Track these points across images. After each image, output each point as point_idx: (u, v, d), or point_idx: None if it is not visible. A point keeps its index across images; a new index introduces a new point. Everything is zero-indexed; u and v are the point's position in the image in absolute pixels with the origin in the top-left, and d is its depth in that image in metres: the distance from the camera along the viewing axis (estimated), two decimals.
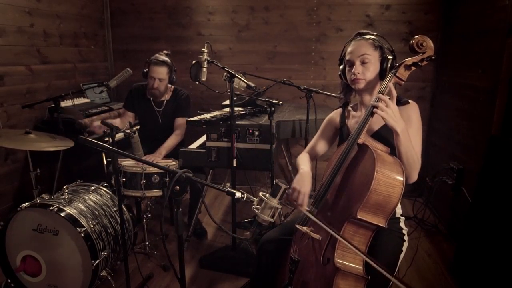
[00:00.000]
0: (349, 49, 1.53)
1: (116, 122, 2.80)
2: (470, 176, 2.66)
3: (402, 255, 1.46)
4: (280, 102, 2.35)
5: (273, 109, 2.28)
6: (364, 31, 1.56)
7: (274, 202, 1.27)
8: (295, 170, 4.03)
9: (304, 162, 1.66)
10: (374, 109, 1.32)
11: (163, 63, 2.62)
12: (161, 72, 2.62)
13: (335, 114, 1.74)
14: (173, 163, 2.42)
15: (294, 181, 1.47)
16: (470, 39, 2.87)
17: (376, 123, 1.53)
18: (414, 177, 1.40)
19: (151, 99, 2.80)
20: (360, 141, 1.36)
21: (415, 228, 3.00)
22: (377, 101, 1.33)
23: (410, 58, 1.36)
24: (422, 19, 3.40)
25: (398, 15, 3.43)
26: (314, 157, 1.78)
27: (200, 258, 2.51)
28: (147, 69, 2.65)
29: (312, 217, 1.32)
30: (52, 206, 1.93)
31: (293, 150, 3.90)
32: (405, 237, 1.51)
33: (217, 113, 2.58)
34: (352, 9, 3.50)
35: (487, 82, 2.52)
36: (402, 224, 1.53)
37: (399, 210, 1.55)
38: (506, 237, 1.94)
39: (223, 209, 3.41)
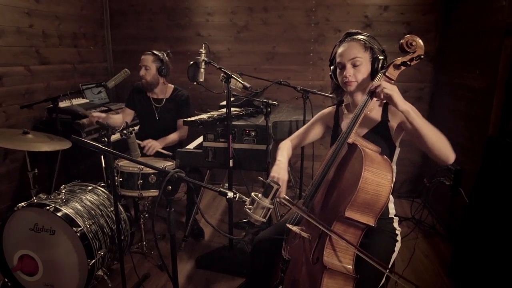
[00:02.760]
0: (339, 51, 1.52)
1: (116, 117, 2.84)
2: (467, 177, 2.66)
3: (394, 255, 1.45)
4: (276, 103, 2.36)
5: (269, 109, 2.28)
6: (354, 30, 1.55)
7: (266, 202, 1.27)
8: (293, 169, 4.02)
9: (282, 153, 1.69)
10: (380, 93, 1.28)
11: (149, 52, 2.76)
12: (146, 60, 2.73)
13: (329, 112, 1.73)
14: (170, 163, 2.43)
15: (272, 170, 1.54)
16: (468, 40, 2.87)
17: (367, 124, 1.52)
18: (451, 155, 1.31)
19: (151, 96, 2.84)
20: (350, 140, 1.36)
21: (412, 229, 3.00)
22: (375, 87, 1.31)
23: (400, 58, 1.36)
24: (421, 20, 3.40)
25: (397, 16, 3.43)
26: (296, 146, 1.82)
27: (197, 258, 2.52)
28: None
29: (299, 211, 1.33)
30: (49, 205, 1.94)
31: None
32: (398, 237, 1.50)
33: (214, 113, 2.59)
34: (351, 10, 3.50)
35: (485, 83, 2.52)
36: (395, 225, 1.53)
37: (392, 211, 1.54)
38: (503, 238, 1.94)
39: (221, 210, 3.42)
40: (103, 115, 2.63)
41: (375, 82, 1.34)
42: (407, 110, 1.28)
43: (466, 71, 2.82)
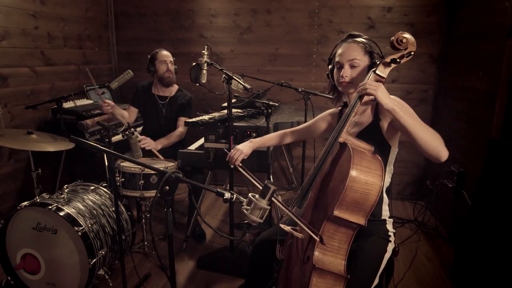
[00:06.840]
0: (339, 51, 1.53)
1: (124, 111, 2.89)
2: (470, 179, 2.64)
3: (387, 255, 1.44)
4: (277, 104, 2.37)
5: (270, 110, 2.29)
6: (356, 33, 1.55)
7: (263, 203, 1.27)
8: (296, 172, 4.01)
9: (264, 137, 1.91)
10: (365, 91, 1.29)
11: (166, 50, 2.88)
12: (170, 55, 2.85)
13: (333, 112, 1.76)
14: (172, 164, 2.45)
15: (240, 145, 1.80)
16: (471, 41, 2.85)
17: (360, 125, 1.52)
18: (443, 152, 1.29)
19: (156, 94, 2.86)
20: (340, 139, 1.35)
21: (415, 231, 2.98)
22: (361, 87, 1.31)
23: (390, 56, 1.36)
24: (424, 21, 3.38)
25: (400, 17, 3.42)
26: (296, 139, 1.91)
27: (198, 258, 2.53)
28: (152, 65, 2.81)
29: (279, 204, 1.33)
30: (51, 205, 1.96)
31: (294, 152, 3.90)
32: (391, 238, 1.49)
33: (216, 114, 2.60)
34: (354, 12, 3.50)
35: (488, 85, 2.50)
36: (389, 226, 1.51)
37: (386, 212, 1.53)
38: (505, 241, 1.92)
39: (223, 210, 3.43)
40: (113, 103, 2.62)
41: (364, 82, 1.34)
42: (393, 108, 1.27)
43: (470, 72, 2.81)
